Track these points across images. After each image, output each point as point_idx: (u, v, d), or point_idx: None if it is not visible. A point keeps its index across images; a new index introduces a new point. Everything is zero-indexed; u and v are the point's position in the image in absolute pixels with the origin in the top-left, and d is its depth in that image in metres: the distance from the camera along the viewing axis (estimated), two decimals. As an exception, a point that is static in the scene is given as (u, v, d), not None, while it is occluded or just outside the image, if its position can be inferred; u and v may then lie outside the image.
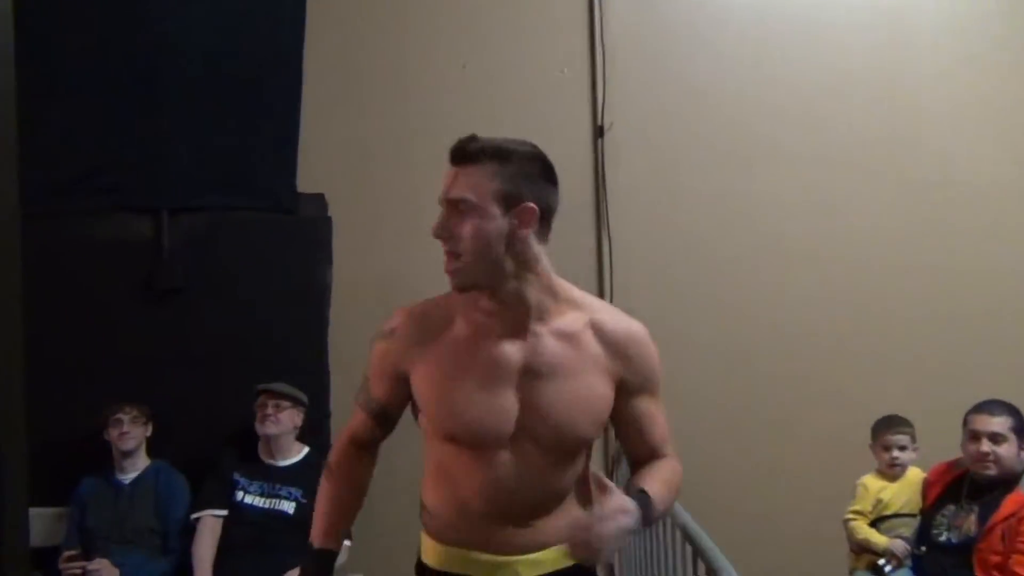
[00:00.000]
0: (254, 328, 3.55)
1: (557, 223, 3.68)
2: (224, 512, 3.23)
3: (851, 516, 3.07)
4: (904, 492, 3.05)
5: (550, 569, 1.58)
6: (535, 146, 1.59)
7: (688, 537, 2.00)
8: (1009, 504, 2.72)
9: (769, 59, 3.81)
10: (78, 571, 3.12)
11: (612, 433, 3.49)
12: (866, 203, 3.79)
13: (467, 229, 1.49)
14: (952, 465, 2.96)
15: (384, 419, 1.68)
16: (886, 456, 3.09)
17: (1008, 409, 2.81)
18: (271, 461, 3.31)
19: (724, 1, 3.85)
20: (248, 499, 3.21)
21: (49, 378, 3.25)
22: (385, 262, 3.61)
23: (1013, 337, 3.75)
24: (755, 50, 3.80)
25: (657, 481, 1.53)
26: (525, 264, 1.52)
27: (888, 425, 3.12)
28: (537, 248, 1.54)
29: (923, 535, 2.91)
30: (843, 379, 3.70)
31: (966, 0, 3.88)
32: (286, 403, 3.30)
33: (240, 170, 3.63)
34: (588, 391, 1.55)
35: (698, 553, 1.92)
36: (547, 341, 1.55)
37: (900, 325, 3.76)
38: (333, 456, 1.75)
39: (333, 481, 1.72)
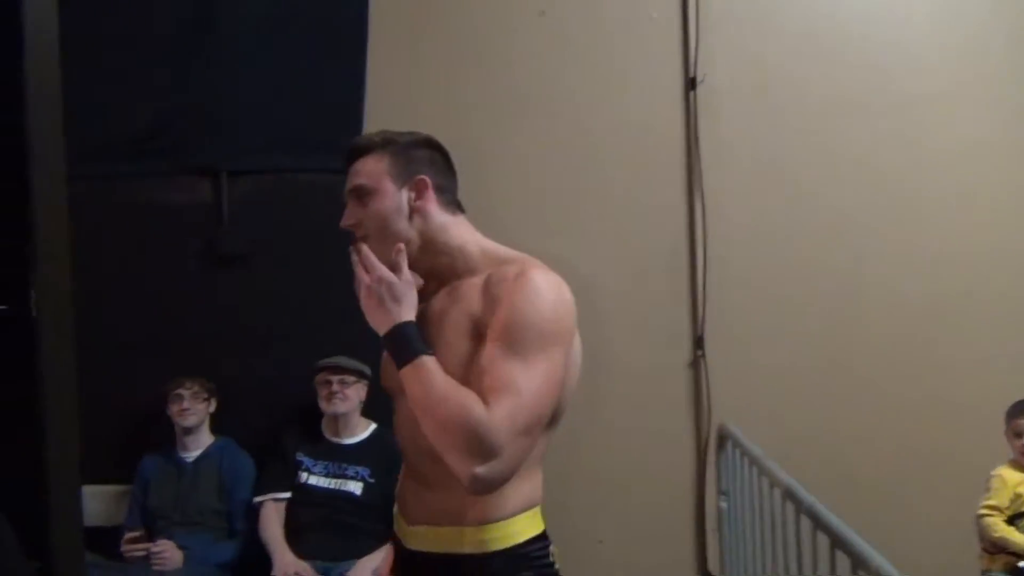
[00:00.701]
0: (317, 297, 3.33)
1: (643, 184, 3.45)
2: (287, 495, 3.06)
3: (986, 512, 2.77)
4: (1046, 485, 2.73)
5: (428, 548, 1.53)
6: (425, 135, 1.66)
7: (818, 522, 1.77)
8: None
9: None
10: (141, 552, 2.98)
11: (709, 416, 3.33)
12: (997, 150, 3.42)
13: (369, 211, 1.56)
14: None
15: None
16: (1019, 444, 2.76)
17: None
18: (336, 439, 3.11)
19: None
20: (313, 480, 3.03)
21: (110, 350, 3.10)
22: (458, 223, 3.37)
23: None
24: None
25: (446, 379, 1.41)
26: (428, 232, 1.56)
27: (1022, 410, 2.79)
28: (443, 218, 1.58)
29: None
30: (975, 353, 3.35)
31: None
32: (351, 378, 3.09)
33: (303, 131, 3.41)
34: (446, 347, 1.48)
35: (836, 544, 1.68)
36: (436, 301, 1.57)
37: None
38: None
39: None
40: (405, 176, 1.55)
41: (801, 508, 1.88)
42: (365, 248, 1.52)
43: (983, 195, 3.45)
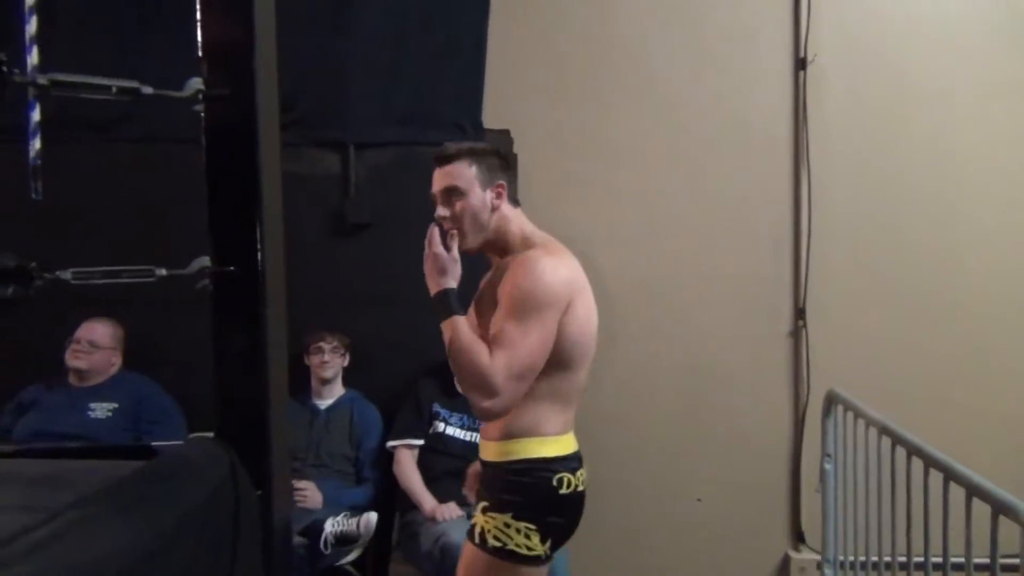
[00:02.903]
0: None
1: (751, 160, 3.57)
2: (420, 442, 3.27)
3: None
4: None
5: (484, 457, 2.07)
6: (494, 145, 2.12)
7: (949, 472, 1.92)
8: None
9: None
10: (286, 489, 3.23)
11: (808, 383, 3.46)
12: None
13: (461, 208, 2.02)
14: None
15: None
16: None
17: None
18: (472, 393, 3.32)
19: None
20: (450, 431, 3.25)
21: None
22: (569, 201, 3.55)
23: None
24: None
25: (468, 334, 1.89)
26: (499, 223, 2.03)
27: None
28: (509, 211, 2.05)
29: None
30: None
31: None
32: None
33: (425, 105, 3.60)
34: (488, 312, 1.96)
35: (972, 492, 1.84)
36: (496, 272, 2.05)
37: None
38: None
39: None
40: (488, 182, 2.02)
41: (930, 462, 2.04)
42: (433, 230, 2.01)
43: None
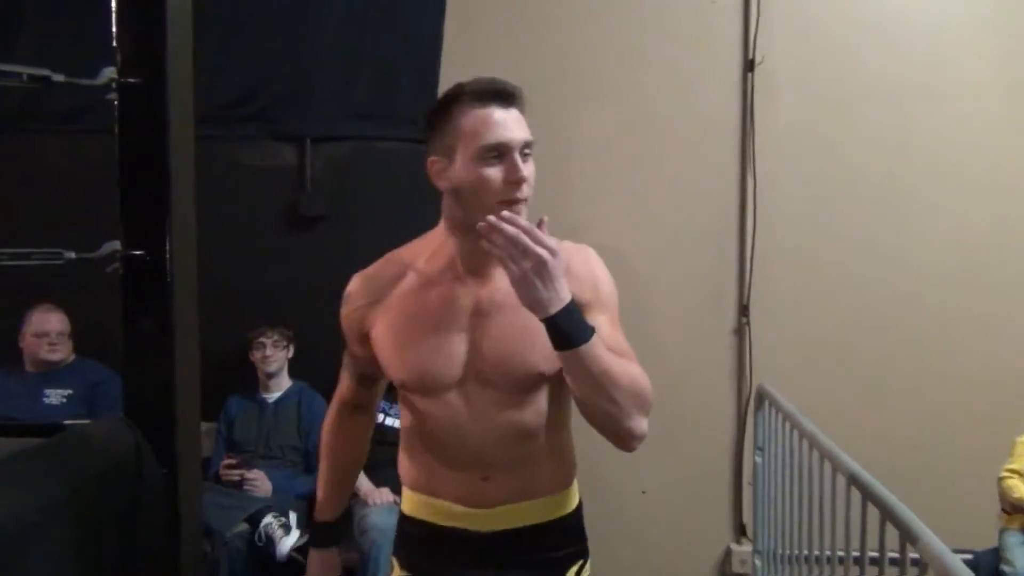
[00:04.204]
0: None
1: (698, 160, 3.61)
2: (363, 434, 3.33)
3: (1007, 475, 2.94)
4: (1068, 453, 2.89)
5: (512, 525, 1.57)
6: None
7: (855, 481, 1.98)
8: None
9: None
10: (236, 477, 3.29)
11: (751, 378, 3.51)
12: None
13: (531, 170, 1.46)
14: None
15: (365, 380, 1.73)
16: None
17: None
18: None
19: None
20: (389, 421, 3.31)
21: (200, 300, 3.39)
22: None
23: None
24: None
25: (606, 349, 1.40)
26: None
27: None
28: None
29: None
30: (1010, 322, 3.52)
31: None
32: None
33: (382, 100, 3.66)
34: (535, 321, 1.37)
35: (868, 498, 1.89)
36: (499, 278, 1.48)
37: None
38: (325, 427, 1.81)
39: (326, 452, 1.80)
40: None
41: (837, 467, 2.09)
42: (522, 221, 1.38)
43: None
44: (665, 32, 3.59)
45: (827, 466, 2.21)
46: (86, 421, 2.07)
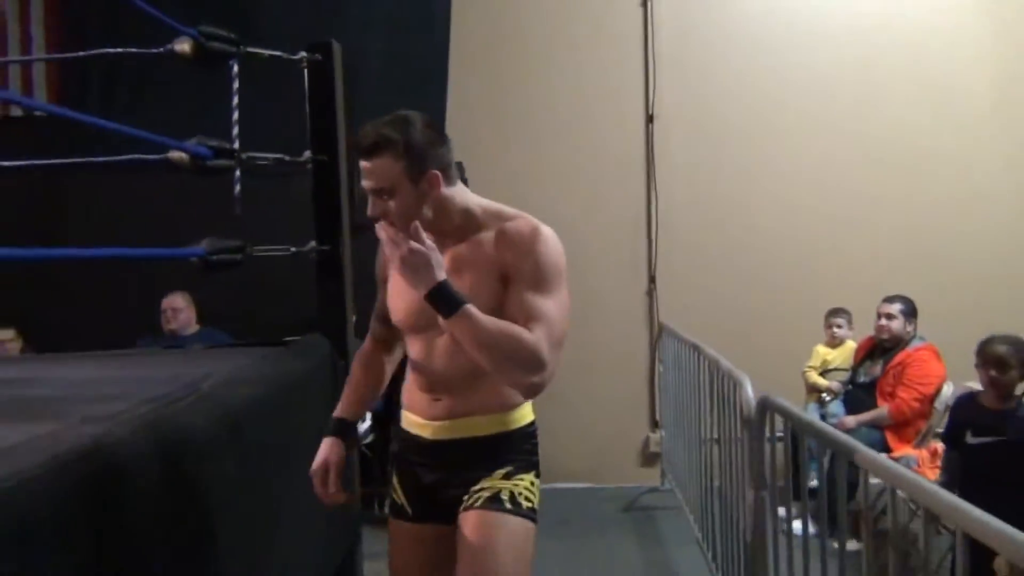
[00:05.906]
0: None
1: (615, 185, 5.38)
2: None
3: (807, 369, 4.81)
4: (841, 355, 4.77)
5: (453, 436, 1.95)
6: (418, 115, 1.84)
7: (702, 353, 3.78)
8: (898, 357, 4.43)
9: (778, 64, 5.28)
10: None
11: (658, 320, 5.23)
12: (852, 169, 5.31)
13: (393, 207, 1.80)
14: (871, 338, 4.65)
15: (383, 319, 2.13)
16: (830, 332, 4.79)
17: (901, 299, 4.52)
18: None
19: (747, 11, 5.29)
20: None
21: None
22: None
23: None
24: (770, 59, 5.26)
25: (490, 319, 1.76)
26: (440, 206, 1.85)
27: (833, 313, 4.82)
28: (448, 191, 1.84)
29: (850, 379, 4.63)
30: (820, 279, 5.22)
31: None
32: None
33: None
34: (476, 285, 1.83)
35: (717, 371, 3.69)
36: (457, 249, 1.88)
37: (866, 251, 5.30)
38: (359, 349, 2.23)
39: (354, 366, 2.17)
40: (419, 174, 1.78)
41: (711, 363, 3.66)
42: (390, 229, 1.75)
43: (840, 196, 5.40)
44: (585, 96, 5.28)
45: (703, 359, 3.90)
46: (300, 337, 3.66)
